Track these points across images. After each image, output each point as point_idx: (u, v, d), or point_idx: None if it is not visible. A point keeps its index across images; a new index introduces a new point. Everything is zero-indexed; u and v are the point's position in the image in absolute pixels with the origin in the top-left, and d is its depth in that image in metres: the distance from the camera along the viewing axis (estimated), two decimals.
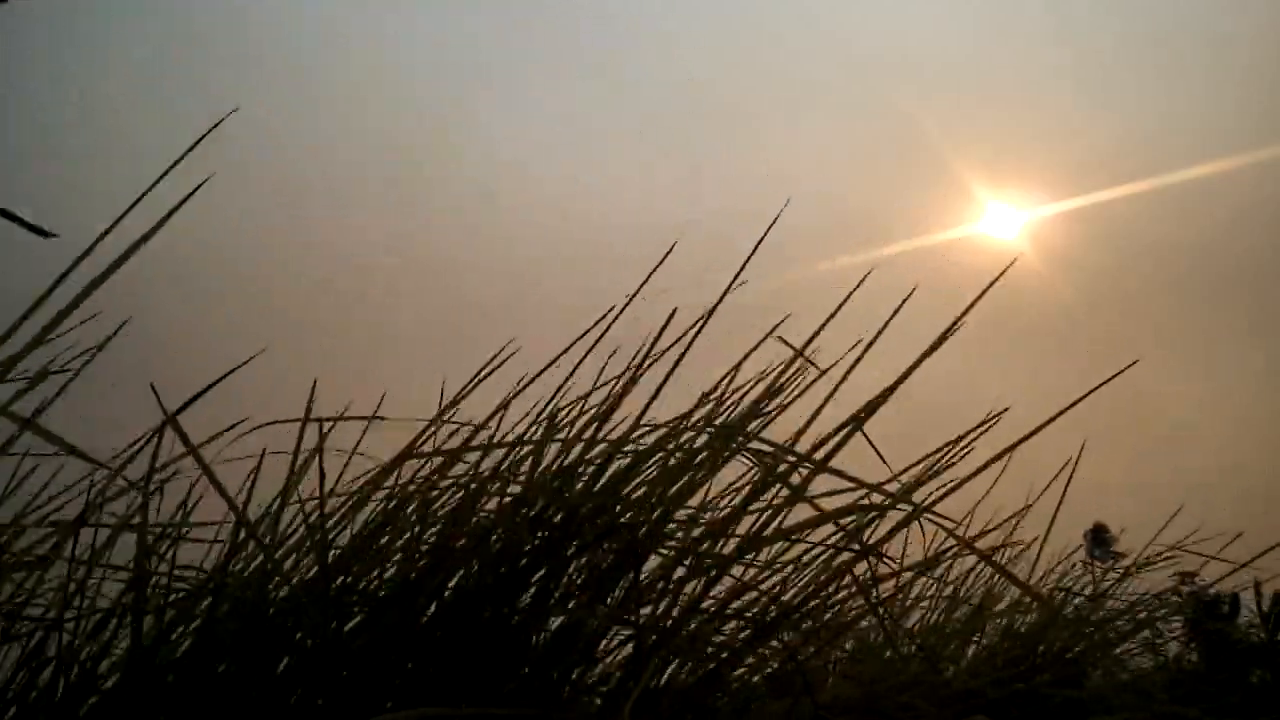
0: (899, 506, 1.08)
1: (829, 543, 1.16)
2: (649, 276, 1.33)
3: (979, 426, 1.22)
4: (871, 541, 1.12)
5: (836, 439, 1.10)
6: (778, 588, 1.20)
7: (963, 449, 1.19)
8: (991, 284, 1.12)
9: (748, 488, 1.15)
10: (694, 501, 1.18)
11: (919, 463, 1.19)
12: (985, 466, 1.11)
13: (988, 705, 1.50)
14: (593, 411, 1.26)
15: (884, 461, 1.08)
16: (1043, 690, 1.73)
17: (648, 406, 1.23)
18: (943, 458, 1.19)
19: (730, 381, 1.32)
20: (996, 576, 2.08)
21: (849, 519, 1.07)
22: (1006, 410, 1.20)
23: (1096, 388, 1.07)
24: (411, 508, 1.17)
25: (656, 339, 1.28)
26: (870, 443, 1.08)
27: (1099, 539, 3.33)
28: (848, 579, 1.15)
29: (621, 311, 1.32)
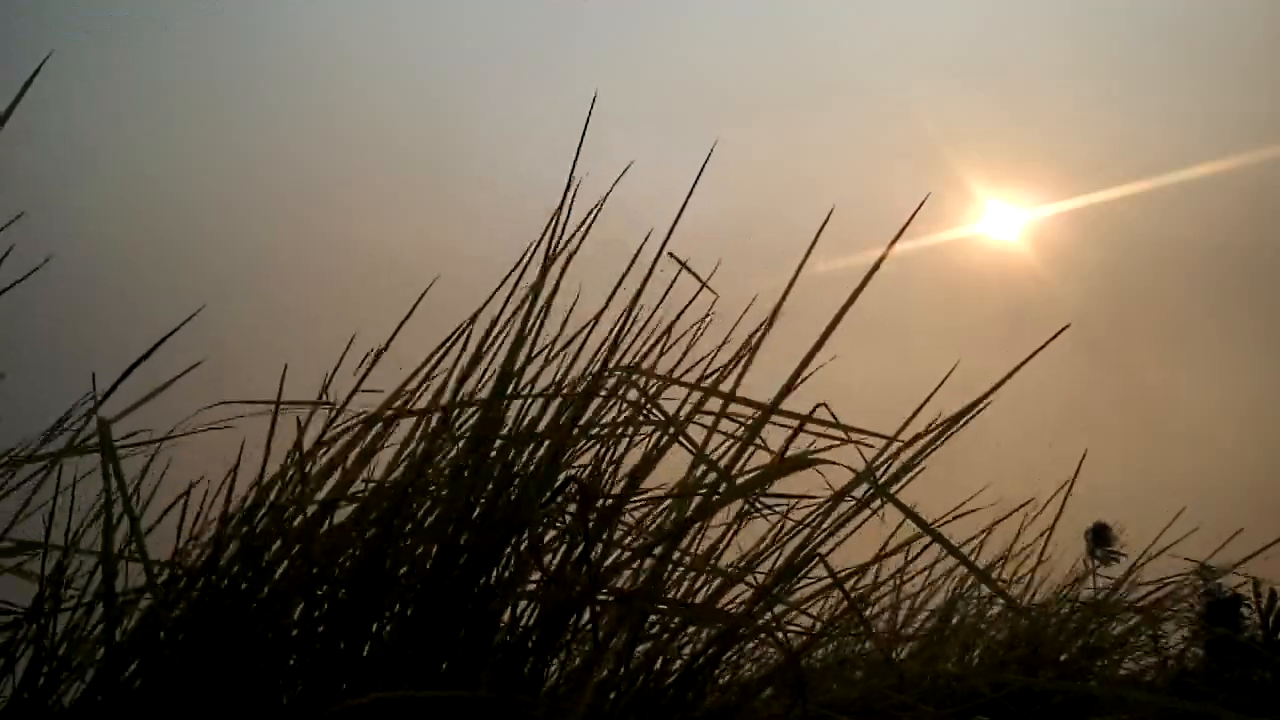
0: (851, 497, 1.07)
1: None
2: (648, 275, 1.33)
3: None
4: (834, 523, 1.11)
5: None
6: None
7: (938, 430, 1.18)
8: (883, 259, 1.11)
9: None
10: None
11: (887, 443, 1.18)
12: (935, 439, 1.11)
13: (987, 705, 1.49)
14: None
15: (849, 438, 1.06)
16: (1042, 689, 1.72)
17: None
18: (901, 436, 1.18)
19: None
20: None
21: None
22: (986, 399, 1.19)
23: (1038, 351, 1.07)
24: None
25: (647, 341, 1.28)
26: (831, 414, 1.07)
27: (1100, 538, 3.32)
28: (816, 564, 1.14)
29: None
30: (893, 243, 1.08)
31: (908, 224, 1.10)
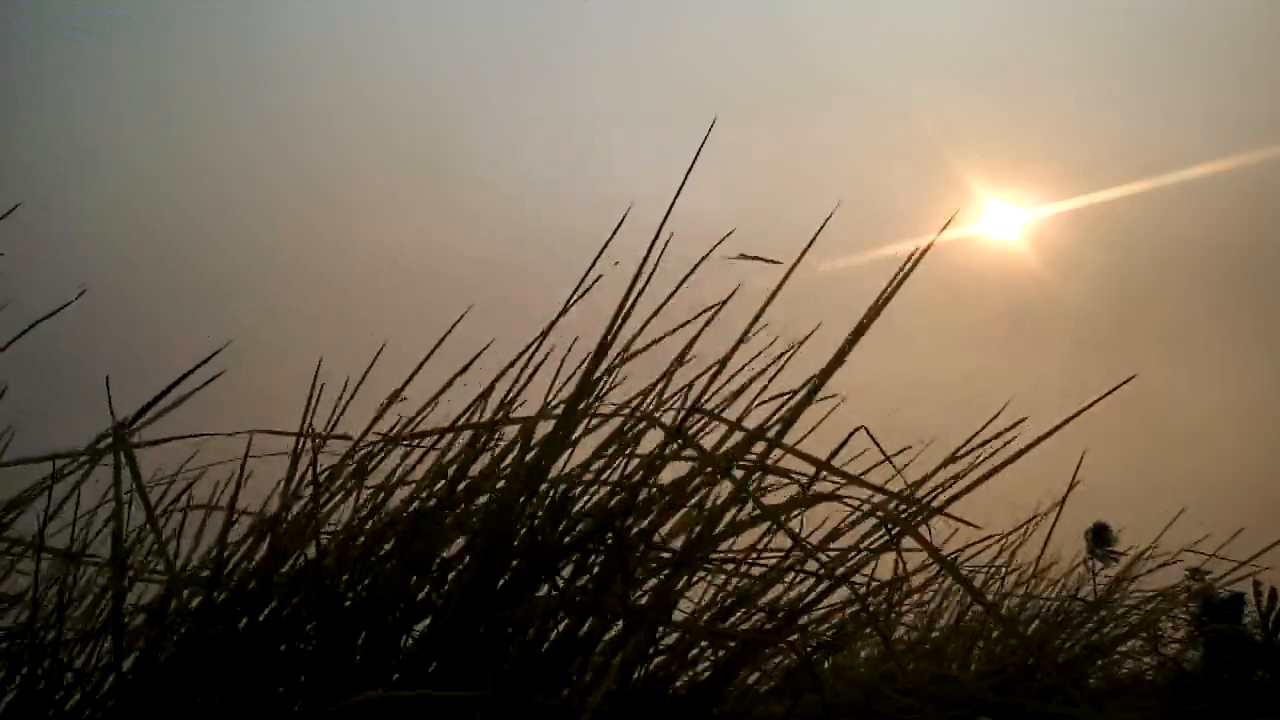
0: (886, 526, 1.08)
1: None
2: (655, 277, 1.32)
3: (987, 439, 1.21)
4: (861, 556, 1.12)
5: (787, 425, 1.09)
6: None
7: (971, 462, 1.19)
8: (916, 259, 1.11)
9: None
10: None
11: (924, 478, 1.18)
12: (987, 477, 1.11)
13: (988, 706, 1.49)
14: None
15: (892, 464, 1.07)
16: (1043, 691, 1.72)
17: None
18: (952, 464, 1.18)
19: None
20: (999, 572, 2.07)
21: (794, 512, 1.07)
22: (1024, 419, 1.20)
23: (1098, 400, 1.06)
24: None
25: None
26: (874, 441, 1.07)
27: (1100, 538, 3.32)
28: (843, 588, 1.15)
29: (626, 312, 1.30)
30: (926, 248, 1.07)
31: (944, 229, 1.09)
